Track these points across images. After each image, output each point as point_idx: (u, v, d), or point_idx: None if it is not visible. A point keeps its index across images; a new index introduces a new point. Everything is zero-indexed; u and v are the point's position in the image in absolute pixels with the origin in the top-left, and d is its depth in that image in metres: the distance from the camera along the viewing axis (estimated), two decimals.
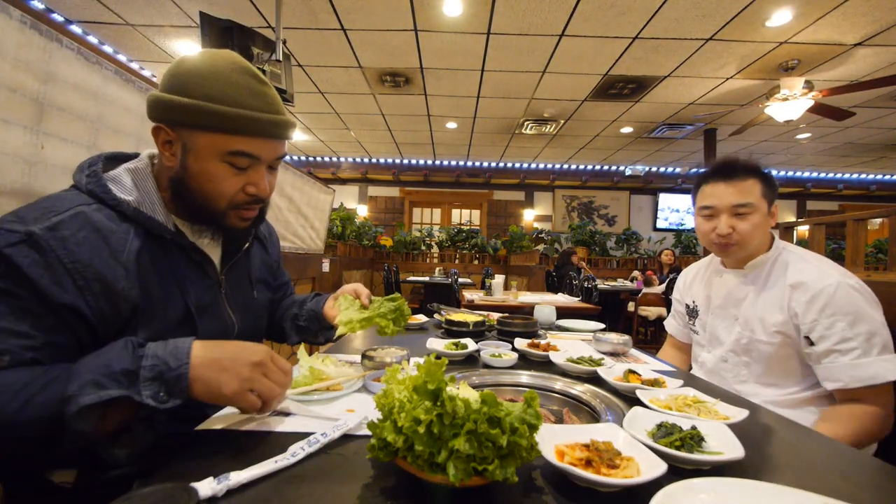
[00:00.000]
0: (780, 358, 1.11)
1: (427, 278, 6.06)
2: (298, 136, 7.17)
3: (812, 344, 1.04)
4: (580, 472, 0.49)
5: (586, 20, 3.56)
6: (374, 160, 8.75)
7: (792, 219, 8.72)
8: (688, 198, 8.56)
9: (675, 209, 9.15)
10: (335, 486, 0.51)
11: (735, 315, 1.20)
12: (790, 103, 4.24)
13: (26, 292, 0.58)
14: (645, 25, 3.61)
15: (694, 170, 8.52)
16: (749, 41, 3.80)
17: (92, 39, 4.01)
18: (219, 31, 2.45)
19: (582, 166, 8.76)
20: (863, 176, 8.66)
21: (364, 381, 0.88)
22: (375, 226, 8.07)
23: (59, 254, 0.60)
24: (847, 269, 1.09)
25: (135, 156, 0.78)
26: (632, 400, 0.81)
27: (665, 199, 9.13)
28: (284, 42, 2.73)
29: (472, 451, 0.45)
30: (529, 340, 1.26)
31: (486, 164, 8.74)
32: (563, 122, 6.12)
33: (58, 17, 3.66)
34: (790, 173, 8.67)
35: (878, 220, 6.89)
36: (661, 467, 0.50)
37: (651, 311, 4.88)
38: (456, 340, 1.22)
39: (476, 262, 7.61)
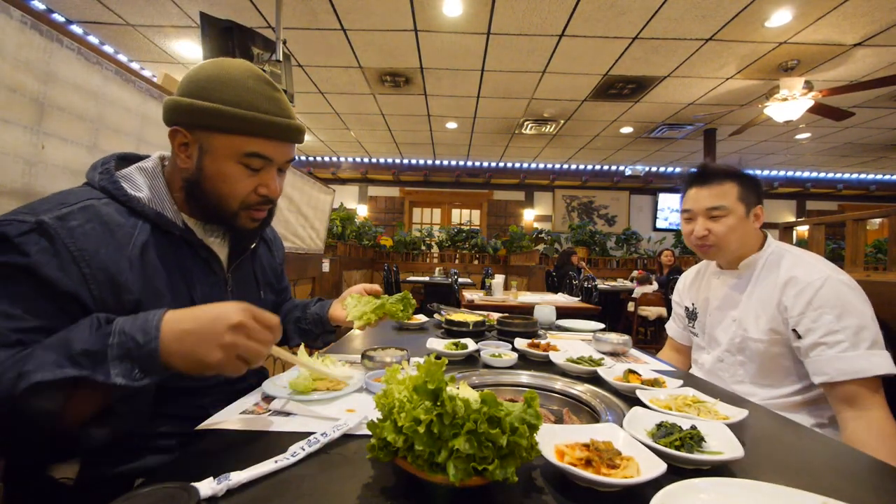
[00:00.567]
0: (772, 356, 1.12)
1: (427, 278, 6.07)
2: None
3: (800, 337, 1.04)
4: (580, 471, 0.49)
5: (586, 20, 3.56)
6: (374, 160, 8.75)
7: (791, 219, 8.71)
8: None
9: (675, 209, 9.13)
10: (335, 486, 0.51)
11: (732, 315, 1.21)
12: (790, 103, 4.24)
13: (30, 278, 0.59)
14: (645, 25, 3.61)
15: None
16: (749, 41, 3.81)
17: (92, 39, 4.01)
18: (219, 32, 2.45)
19: (582, 166, 8.76)
20: (862, 176, 8.66)
21: (364, 381, 0.88)
22: (375, 226, 8.08)
23: (67, 242, 0.62)
24: (845, 269, 1.09)
25: (145, 157, 0.81)
26: (632, 400, 0.81)
27: (665, 199, 9.12)
28: (284, 42, 2.73)
29: (472, 450, 0.45)
30: (529, 340, 1.26)
31: (486, 164, 8.75)
32: (562, 122, 6.12)
33: (58, 18, 3.66)
34: (790, 173, 8.66)
35: (878, 221, 6.91)
36: (660, 467, 0.50)
37: (651, 311, 4.88)
38: (456, 340, 1.22)
39: (476, 262, 7.61)
